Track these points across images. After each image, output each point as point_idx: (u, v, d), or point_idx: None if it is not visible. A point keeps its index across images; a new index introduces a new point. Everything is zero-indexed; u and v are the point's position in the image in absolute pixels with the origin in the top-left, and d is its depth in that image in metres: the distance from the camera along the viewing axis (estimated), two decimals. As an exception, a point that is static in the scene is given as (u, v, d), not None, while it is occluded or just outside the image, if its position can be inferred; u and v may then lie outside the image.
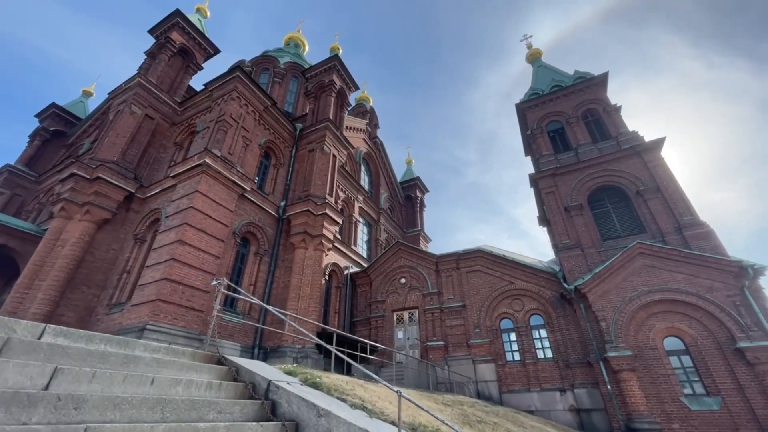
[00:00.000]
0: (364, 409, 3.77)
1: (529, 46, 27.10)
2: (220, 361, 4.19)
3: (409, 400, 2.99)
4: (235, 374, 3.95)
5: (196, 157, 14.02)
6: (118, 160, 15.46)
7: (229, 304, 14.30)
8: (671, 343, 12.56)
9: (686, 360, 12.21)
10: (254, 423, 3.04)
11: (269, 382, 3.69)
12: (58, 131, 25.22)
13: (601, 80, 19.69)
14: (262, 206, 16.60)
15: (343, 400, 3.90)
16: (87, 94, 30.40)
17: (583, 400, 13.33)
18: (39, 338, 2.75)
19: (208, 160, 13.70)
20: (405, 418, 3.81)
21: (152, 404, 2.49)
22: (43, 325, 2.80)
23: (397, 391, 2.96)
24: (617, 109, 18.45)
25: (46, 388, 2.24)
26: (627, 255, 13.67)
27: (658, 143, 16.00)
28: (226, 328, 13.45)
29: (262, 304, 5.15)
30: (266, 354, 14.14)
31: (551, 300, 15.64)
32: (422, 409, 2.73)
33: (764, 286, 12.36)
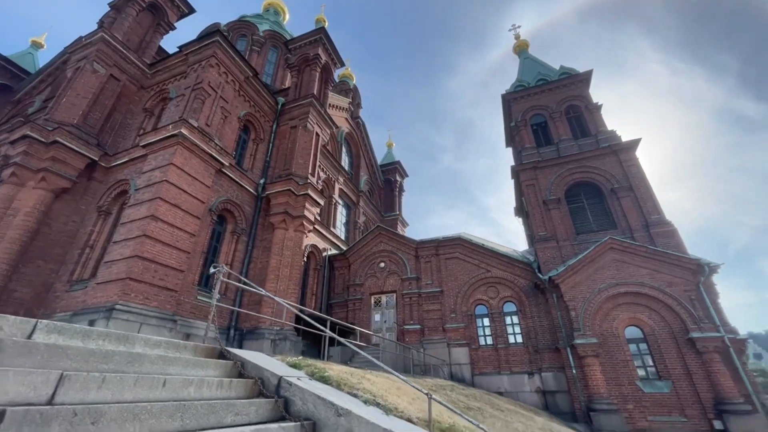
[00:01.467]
0: (377, 405, 3.69)
1: (517, 37, 27.09)
2: (223, 354, 3.94)
3: (440, 403, 2.94)
4: (241, 368, 3.72)
5: (170, 126, 12.97)
6: (78, 124, 14.03)
7: (204, 283, 13.72)
8: (631, 331, 13.54)
9: (643, 347, 13.24)
10: (274, 424, 2.87)
11: (280, 379, 3.51)
12: (3, 85, 22.43)
13: (585, 77, 20.11)
14: (241, 183, 15.82)
15: (355, 396, 3.80)
16: (37, 46, 27.14)
17: (549, 382, 14.19)
18: (30, 336, 2.39)
19: (184, 131, 12.72)
20: (418, 413, 3.78)
21: (171, 411, 2.25)
22: (34, 320, 2.42)
23: (427, 394, 2.90)
24: (598, 108, 19.01)
25: (52, 398, 1.93)
26: (599, 249, 14.40)
27: (634, 144, 16.73)
28: (201, 309, 12.93)
29: (270, 296, 4.85)
30: (242, 336, 13.80)
31: (525, 288, 16.30)
32: (455, 412, 2.68)
33: (716, 283, 13.52)
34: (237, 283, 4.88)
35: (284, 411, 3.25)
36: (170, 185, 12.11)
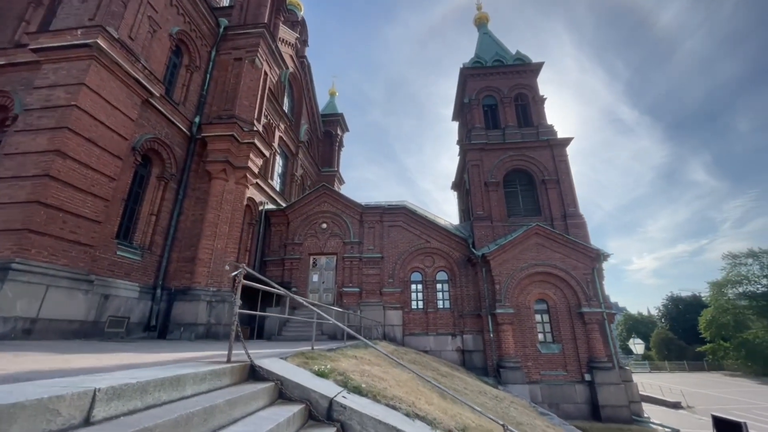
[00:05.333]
0: (417, 416, 3.78)
1: (479, 8, 26.80)
2: (255, 370, 3.49)
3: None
4: (281, 387, 3.38)
5: (79, 32, 9.89)
6: None
7: (123, 235, 11.65)
8: (539, 304, 16.13)
9: (545, 317, 15.98)
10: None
11: (331, 401, 3.29)
12: None
13: (536, 68, 21.24)
14: (172, 119, 13.25)
15: (394, 408, 3.80)
16: None
17: (468, 343, 16.32)
18: (90, 412, 1.73)
19: (101, 43, 9.85)
20: (450, 421, 4.00)
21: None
22: (91, 389, 1.75)
23: (503, 425, 3.05)
24: (543, 100, 20.49)
25: None
26: (526, 233, 16.34)
27: (567, 141, 18.74)
28: (122, 265, 11.08)
29: (308, 304, 4.27)
30: (172, 296, 12.38)
31: (458, 261, 17.83)
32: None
33: (604, 268, 16.70)
34: (252, 283, 4.19)
35: (344, 439, 3.10)
36: (82, 113, 9.51)
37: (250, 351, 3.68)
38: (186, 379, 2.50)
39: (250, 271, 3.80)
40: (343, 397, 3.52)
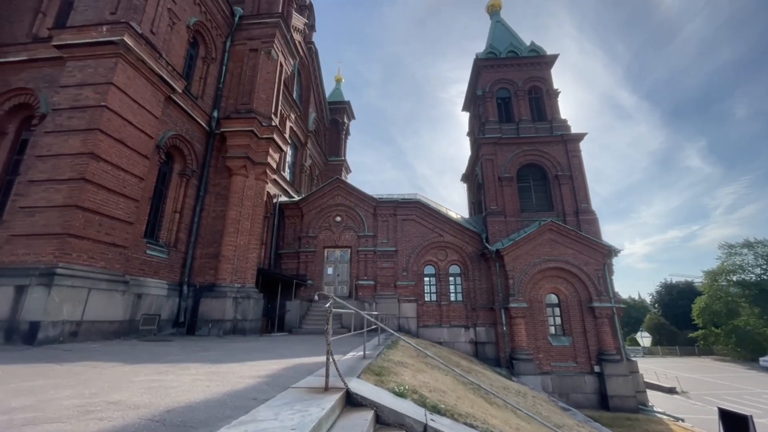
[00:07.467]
0: (494, 435, 4.09)
1: (492, -6, 26.16)
2: (350, 396, 3.72)
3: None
4: (377, 412, 3.63)
5: (104, 28, 9.66)
6: (-68, -14, 9.39)
7: (150, 234, 11.73)
8: (550, 298, 16.60)
9: (557, 311, 16.48)
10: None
11: (425, 426, 3.57)
12: None
13: (551, 60, 21.02)
14: (192, 114, 13.13)
15: (472, 426, 4.10)
16: None
17: (481, 335, 16.84)
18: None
19: (127, 40, 9.66)
20: (509, 430, 4.32)
21: None
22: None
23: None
24: (557, 94, 20.38)
25: None
26: (540, 230, 16.62)
27: (581, 136, 18.80)
28: (150, 264, 11.22)
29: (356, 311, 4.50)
30: (197, 292, 12.59)
31: (471, 255, 18.16)
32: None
33: (613, 263, 17.12)
34: (339, 311, 4.38)
35: (441, 462, 3.37)
36: (112, 114, 9.43)
37: (281, 345, 3.88)
38: (322, 421, 2.74)
39: (338, 300, 3.99)
40: (432, 420, 3.78)
